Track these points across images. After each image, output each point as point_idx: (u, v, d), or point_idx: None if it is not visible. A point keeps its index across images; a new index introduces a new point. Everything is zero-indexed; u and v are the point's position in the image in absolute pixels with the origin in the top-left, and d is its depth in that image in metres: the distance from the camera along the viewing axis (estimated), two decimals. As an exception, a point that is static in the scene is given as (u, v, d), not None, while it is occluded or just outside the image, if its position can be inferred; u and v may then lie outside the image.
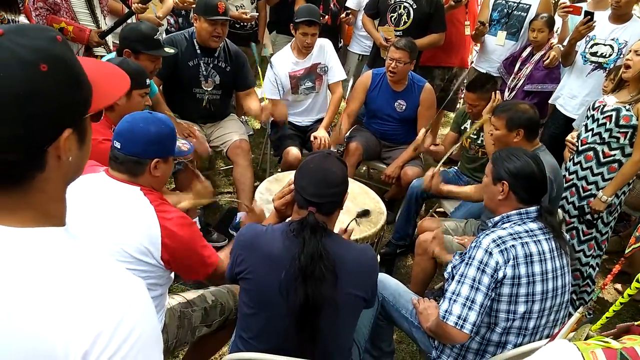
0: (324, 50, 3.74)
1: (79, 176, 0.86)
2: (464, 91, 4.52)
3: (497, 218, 1.99)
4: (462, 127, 3.39)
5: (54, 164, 0.76)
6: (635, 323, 1.13)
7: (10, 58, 0.70)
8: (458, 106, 4.62)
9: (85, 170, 1.74)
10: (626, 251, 1.07)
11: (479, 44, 4.36)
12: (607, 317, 1.14)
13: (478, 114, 3.16)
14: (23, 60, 0.70)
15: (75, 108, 0.77)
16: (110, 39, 3.37)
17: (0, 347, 0.70)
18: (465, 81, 4.43)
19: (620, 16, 3.22)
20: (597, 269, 2.99)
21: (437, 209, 3.73)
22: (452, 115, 5.10)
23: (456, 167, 3.51)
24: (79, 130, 0.79)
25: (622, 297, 1.03)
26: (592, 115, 2.77)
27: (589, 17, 3.19)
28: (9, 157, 0.72)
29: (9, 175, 0.74)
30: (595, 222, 2.85)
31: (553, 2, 4.21)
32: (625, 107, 2.62)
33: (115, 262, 0.82)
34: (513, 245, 1.82)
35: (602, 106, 2.73)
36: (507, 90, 3.82)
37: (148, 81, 2.42)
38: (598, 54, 3.32)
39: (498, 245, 1.82)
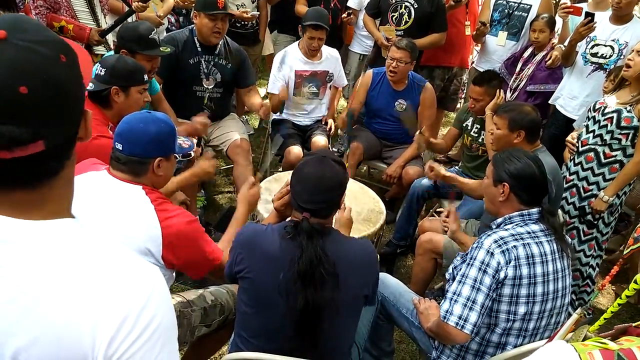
0: (337, 62, 3.80)
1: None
2: (464, 91, 4.53)
3: (499, 220, 1.99)
4: (464, 125, 3.39)
5: (74, 151, 0.79)
6: (633, 324, 1.13)
7: (33, 57, 0.70)
8: (458, 106, 4.62)
9: (87, 168, 1.76)
10: (624, 252, 1.07)
11: (479, 44, 4.36)
12: (605, 319, 1.15)
13: (481, 110, 3.16)
14: (46, 56, 0.71)
15: (84, 90, 0.80)
16: (110, 37, 3.36)
17: (31, 333, 0.72)
18: (466, 81, 4.44)
19: (621, 17, 3.21)
20: (597, 269, 2.99)
21: (438, 209, 3.72)
22: (452, 115, 5.10)
23: (457, 167, 3.51)
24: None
25: (620, 298, 1.03)
26: (593, 117, 2.77)
27: (589, 18, 3.19)
28: (61, 151, 0.75)
29: (52, 168, 0.76)
30: (596, 222, 2.85)
31: (554, 2, 4.20)
32: (626, 108, 2.62)
33: (131, 251, 0.83)
34: (515, 246, 1.82)
35: (603, 108, 2.73)
36: (508, 90, 3.81)
37: (146, 77, 2.42)
38: (598, 55, 3.31)
39: (500, 245, 1.82)
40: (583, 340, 1.15)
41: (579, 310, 1.35)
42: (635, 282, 1.08)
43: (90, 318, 0.73)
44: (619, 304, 1.04)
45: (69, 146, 0.78)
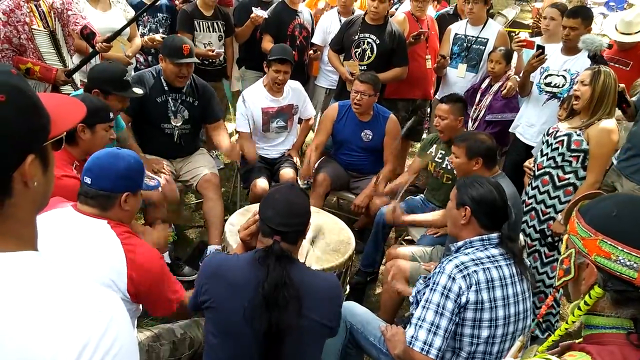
0: (300, 93, 3.90)
1: (46, 203, 0.90)
2: (428, 122, 4.67)
3: (460, 243, 2.06)
4: (428, 152, 3.49)
5: (20, 190, 0.80)
6: (576, 341, 1.21)
7: None
8: (424, 136, 4.75)
9: (53, 206, 1.77)
10: (557, 284, 1.15)
11: (441, 77, 4.52)
12: (553, 340, 1.21)
13: (446, 128, 3.24)
14: None
15: (36, 134, 0.82)
16: (77, 76, 3.39)
17: None
18: (429, 112, 4.59)
19: (571, 48, 3.38)
20: (561, 290, 3.06)
21: (405, 237, 3.79)
22: (418, 145, 5.23)
23: (422, 195, 3.59)
24: (41, 156, 0.83)
25: (567, 323, 1.10)
26: (547, 141, 2.90)
27: (540, 50, 3.37)
28: None
29: None
30: (556, 244, 2.94)
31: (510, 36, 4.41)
32: (576, 132, 2.75)
33: (91, 280, 0.85)
34: (475, 271, 1.88)
35: (555, 132, 2.86)
36: (470, 120, 3.95)
37: (111, 115, 2.45)
38: (552, 85, 3.48)
39: (461, 270, 1.88)
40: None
41: (521, 337, 1.44)
42: (573, 314, 1.17)
43: (50, 348, 0.74)
44: (566, 328, 1.13)
45: (2, 186, 0.79)
